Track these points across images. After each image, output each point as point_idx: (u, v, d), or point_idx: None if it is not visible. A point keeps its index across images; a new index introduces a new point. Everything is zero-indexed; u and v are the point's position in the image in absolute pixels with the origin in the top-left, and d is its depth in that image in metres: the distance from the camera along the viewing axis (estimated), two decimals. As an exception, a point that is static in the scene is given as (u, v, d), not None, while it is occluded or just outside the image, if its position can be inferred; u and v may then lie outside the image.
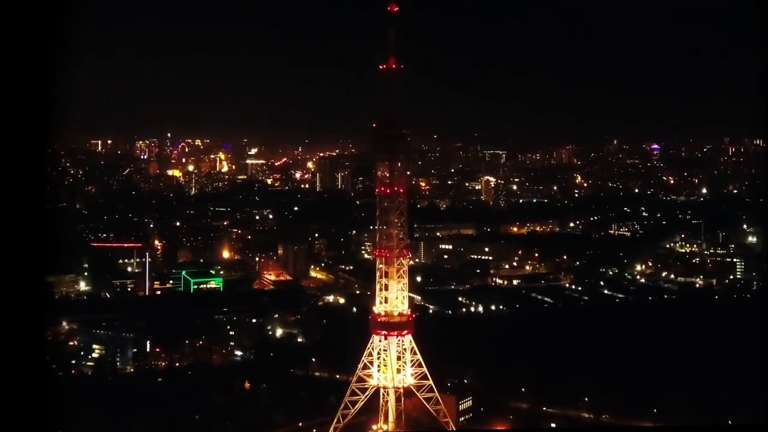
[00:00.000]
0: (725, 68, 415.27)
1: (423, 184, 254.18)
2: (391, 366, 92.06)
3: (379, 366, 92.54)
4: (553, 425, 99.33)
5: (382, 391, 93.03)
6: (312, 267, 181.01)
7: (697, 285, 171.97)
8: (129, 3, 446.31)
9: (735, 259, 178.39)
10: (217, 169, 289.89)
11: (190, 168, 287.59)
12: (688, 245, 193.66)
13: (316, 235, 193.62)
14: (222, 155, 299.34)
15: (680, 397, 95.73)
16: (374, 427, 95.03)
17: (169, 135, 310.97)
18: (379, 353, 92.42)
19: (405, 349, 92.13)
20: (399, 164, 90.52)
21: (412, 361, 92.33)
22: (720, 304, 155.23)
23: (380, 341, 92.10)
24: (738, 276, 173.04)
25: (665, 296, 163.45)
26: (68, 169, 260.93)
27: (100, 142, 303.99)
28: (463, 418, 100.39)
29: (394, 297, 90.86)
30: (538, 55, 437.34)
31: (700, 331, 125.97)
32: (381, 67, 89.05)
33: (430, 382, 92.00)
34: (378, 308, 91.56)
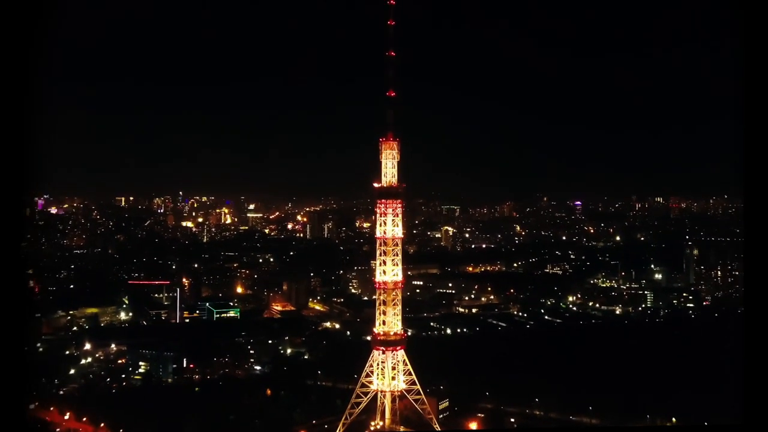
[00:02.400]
0: (631, 142, 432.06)
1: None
2: (388, 374, 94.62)
3: (377, 374, 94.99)
4: (512, 420, 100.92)
5: (379, 394, 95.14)
6: (310, 300, 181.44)
7: (617, 312, 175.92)
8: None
9: (646, 292, 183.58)
10: (223, 221, 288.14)
11: (200, 220, 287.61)
12: (608, 281, 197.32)
13: (312, 274, 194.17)
14: (226, 210, 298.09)
15: (609, 398, 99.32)
16: (372, 423, 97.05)
17: (181, 193, 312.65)
18: (378, 364, 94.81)
19: (398, 361, 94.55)
20: (396, 215, 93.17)
21: (404, 370, 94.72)
22: (636, 326, 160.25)
23: (379, 355, 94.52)
24: (649, 305, 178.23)
25: (593, 321, 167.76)
26: (99, 220, 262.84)
27: (123, 198, 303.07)
28: (442, 416, 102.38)
29: (390, 320, 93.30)
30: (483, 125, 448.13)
31: (622, 347, 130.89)
32: (381, 139, 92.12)
33: (418, 387, 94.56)
34: (378, 329, 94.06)
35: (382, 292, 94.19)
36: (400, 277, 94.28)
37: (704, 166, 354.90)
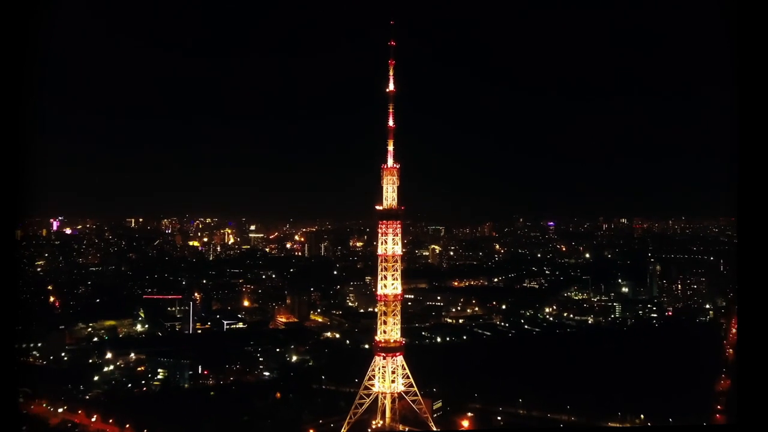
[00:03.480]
0: (599, 170, 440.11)
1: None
2: (388, 377, 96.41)
3: (379, 378, 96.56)
4: (498, 418, 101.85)
5: (380, 395, 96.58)
6: (311, 312, 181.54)
7: (589, 322, 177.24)
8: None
9: (614, 304, 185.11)
10: (226, 241, 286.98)
11: (206, 240, 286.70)
12: (580, 294, 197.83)
13: (312, 288, 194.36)
14: (228, 230, 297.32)
15: (585, 397, 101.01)
16: (374, 422, 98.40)
17: (187, 215, 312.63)
18: (379, 368, 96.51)
19: (398, 366, 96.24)
20: (396, 235, 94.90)
21: (402, 374, 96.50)
22: (607, 334, 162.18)
23: (380, 360, 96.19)
24: (617, 315, 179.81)
25: (568, 330, 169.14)
26: (111, 240, 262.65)
27: (133, 220, 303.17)
28: (436, 415, 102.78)
29: (390, 329, 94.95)
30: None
31: (595, 352, 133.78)
32: (382, 166, 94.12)
33: (415, 388, 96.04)
34: (379, 337, 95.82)
35: (383, 303, 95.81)
36: (399, 290, 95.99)
37: (664, 190, 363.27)
